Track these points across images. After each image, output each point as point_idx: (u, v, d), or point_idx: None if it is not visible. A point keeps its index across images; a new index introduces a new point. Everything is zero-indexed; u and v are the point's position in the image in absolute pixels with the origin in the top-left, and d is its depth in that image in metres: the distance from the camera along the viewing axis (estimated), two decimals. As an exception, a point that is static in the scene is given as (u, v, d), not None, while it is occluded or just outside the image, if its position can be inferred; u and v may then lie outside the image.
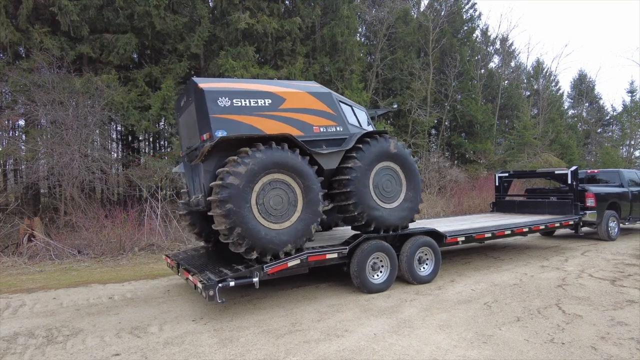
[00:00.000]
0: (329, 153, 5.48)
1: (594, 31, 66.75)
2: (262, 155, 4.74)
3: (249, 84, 5.49)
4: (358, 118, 6.34)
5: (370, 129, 6.50)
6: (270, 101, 5.29)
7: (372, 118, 7.04)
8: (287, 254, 4.98)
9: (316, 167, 5.27)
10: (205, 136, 4.94)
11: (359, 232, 5.75)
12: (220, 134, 4.80)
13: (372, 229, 5.69)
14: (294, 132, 5.34)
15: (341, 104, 6.04)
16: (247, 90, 5.20)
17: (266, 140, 4.95)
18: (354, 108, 6.39)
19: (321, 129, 5.63)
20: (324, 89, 5.95)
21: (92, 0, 11.49)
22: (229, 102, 5.00)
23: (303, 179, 5.02)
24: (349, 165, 5.52)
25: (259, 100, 5.20)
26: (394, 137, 6.05)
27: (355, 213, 5.50)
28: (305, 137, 5.40)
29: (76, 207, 10.18)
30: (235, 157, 4.68)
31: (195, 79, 5.16)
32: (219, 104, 4.93)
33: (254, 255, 4.74)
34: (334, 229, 7.72)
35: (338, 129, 5.77)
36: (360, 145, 5.66)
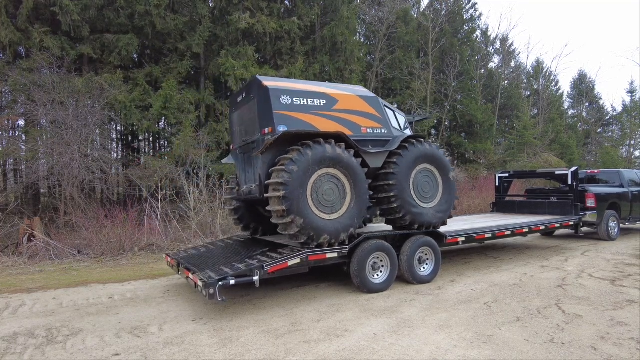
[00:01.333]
0: (375, 153, 5.92)
1: (594, 31, 66.76)
2: (319, 150, 5.17)
3: (307, 85, 5.93)
4: (399, 122, 6.78)
5: (408, 132, 6.92)
6: (325, 102, 5.74)
7: (410, 123, 7.51)
8: (330, 245, 5.28)
9: (365, 167, 5.70)
10: (266, 130, 5.35)
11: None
12: (281, 128, 5.21)
13: (408, 224, 6.02)
14: (345, 131, 5.74)
15: (385, 108, 6.51)
16: (305, 91, 5.66)
17: (322, 137, 5.36)
18: (395, 112, 6.84)
19: (368, 130, 6.08)
20: (371, 94, 6.46)
21: (93, 0, 11.49)
22: (290, 100, 5.44)
23: (353, 175, 5.43)
24: (393, 163, 5.94)
25: (315, 100, 5.66)
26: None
27: (396, 208, 5.88)
28: (354, 137, 5.79)
29: (76, 207, 10.18)
30: (296, 148, 5.09)
31: (259, 77, 5.57)
32: (281, 101, 5.36)
33: (302, 239, 5.06)
34: (368, 225, 7.91)
35: (383, 131, 6.24)
36: (406, 145, 6.10)
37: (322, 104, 5.69)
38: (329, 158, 5.21)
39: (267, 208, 5.16)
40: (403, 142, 6.14)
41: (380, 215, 6.45)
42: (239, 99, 6.24)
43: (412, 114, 8.37)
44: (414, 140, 6.21)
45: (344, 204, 5.42)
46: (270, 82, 5.45)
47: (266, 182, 5.13)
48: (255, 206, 6.71)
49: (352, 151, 5.52)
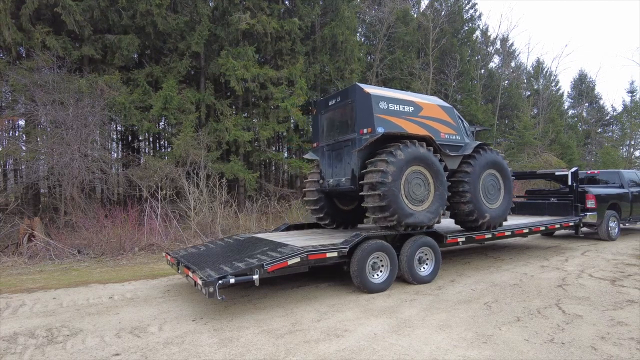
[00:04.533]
0: (454, 156, 6.69)
1: (594, 31, 66.80)
2: (412, 150, 5.94)
3: (398, 93, 6.64)
4: (466, 130, 7.48)
5: (471, 139, 7.63)
6: (412, 108, 6.50)
7: (472, 132, 8.08)
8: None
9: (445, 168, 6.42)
10: (365, 130, 6.06)
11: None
12: (380, 130, 5.94)
13: (476, 221, 6.72)
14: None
15: (458, 117, 7.24)
16: (398, 98, 6.40)
17: (412, 139, 6.08)
18: (463, 122, 7.54)
19: (446, 136, 6.87)
20: (448, 104, 7.23)
21: (97, 0, 11.49)
22: (387, 105, 6.19)
23: (436, 174, 6.19)
24: (469, 164, 6.71)
25: (405, 107, 6.41)
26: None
27: (468, 204, 6.61)
28: (436, 141, 6.47)
29: (76, 207, 10.18)
30: (395, 145, 5.87)
31: (359, 84, 6.28)
32: (380, 106, 6.10)
33: (391, 224, 5.78)
34: None
35: (457, 137, 7.04)
36: (479, 151, 6.92)
37: (410, 110, 6.43)
38: (420, 157, 5.97)
39: (361, 193, 5.85)
40: (475, 149, 6.89)
41: (448, 210, 7.02)
42: (331, 103, 6.94)
43: (474, 125, 9.20)
44: (484, 147, 7.04)
45: (428, 198, 6.15)
46: (370, 89, 6.17)
47: (363, 171, 5.88)
48: (333, 199, 7.50)
49: (438, 154, 6.27)
